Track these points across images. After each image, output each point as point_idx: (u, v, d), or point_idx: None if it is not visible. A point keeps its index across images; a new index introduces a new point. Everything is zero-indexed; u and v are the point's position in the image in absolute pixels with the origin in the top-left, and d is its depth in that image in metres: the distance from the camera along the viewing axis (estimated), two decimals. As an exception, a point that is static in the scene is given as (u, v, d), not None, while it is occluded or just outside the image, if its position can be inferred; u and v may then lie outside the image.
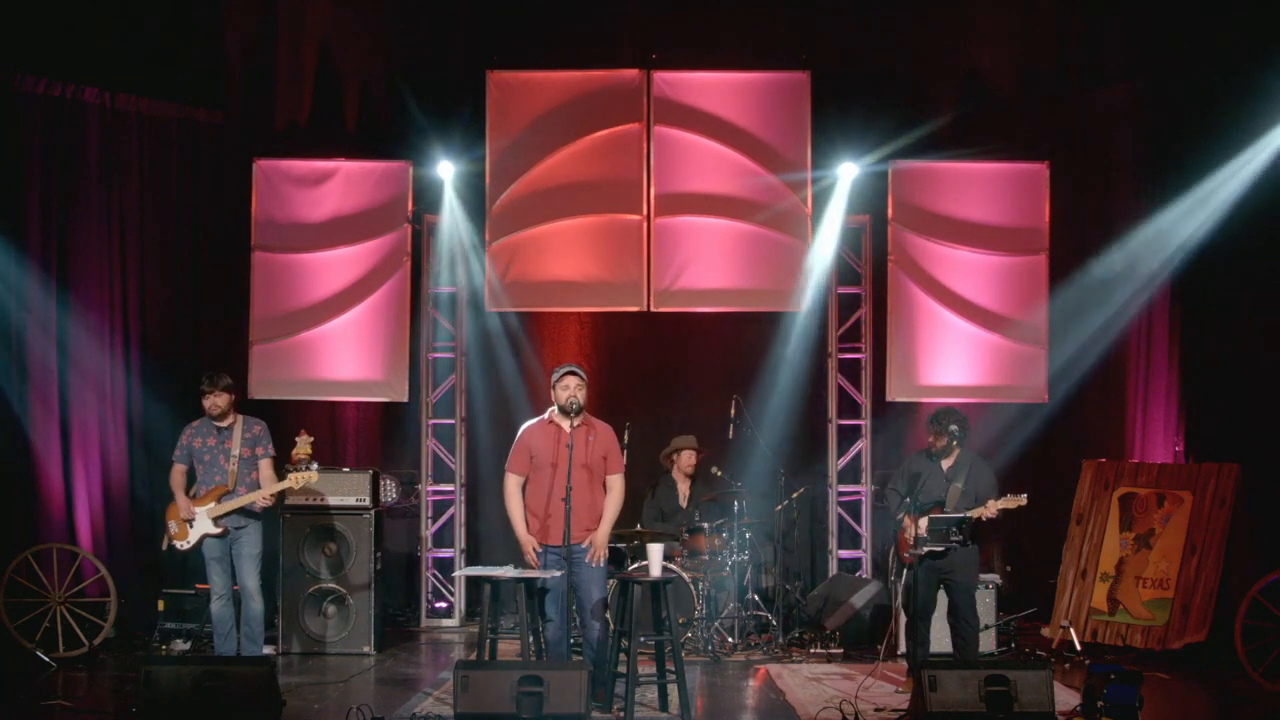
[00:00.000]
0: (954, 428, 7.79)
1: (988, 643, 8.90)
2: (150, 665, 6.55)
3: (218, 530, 7.92)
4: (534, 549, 7.15)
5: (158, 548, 9.92)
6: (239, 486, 7.96)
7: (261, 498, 7.97)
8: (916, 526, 7.71)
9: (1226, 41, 9.21)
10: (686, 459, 9.69)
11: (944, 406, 8.27)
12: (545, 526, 7.18)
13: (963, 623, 7.71)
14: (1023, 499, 7.52)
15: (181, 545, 7.99)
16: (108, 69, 9.84)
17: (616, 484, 7.35)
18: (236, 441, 8.02)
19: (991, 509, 7.51)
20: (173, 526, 8.00)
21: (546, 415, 7.31)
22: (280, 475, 8.14)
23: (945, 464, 7.85)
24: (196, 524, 7.92)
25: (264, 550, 8.14)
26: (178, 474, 8.06)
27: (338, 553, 9.16)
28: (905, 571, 7.83)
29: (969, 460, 7.82)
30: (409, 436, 10.54)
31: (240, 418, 8.11)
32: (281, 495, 8.43)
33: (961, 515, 7.56)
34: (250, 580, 8.00)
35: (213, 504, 7.92)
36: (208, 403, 8.00)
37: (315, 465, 8.28)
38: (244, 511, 7.97)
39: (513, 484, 7.27)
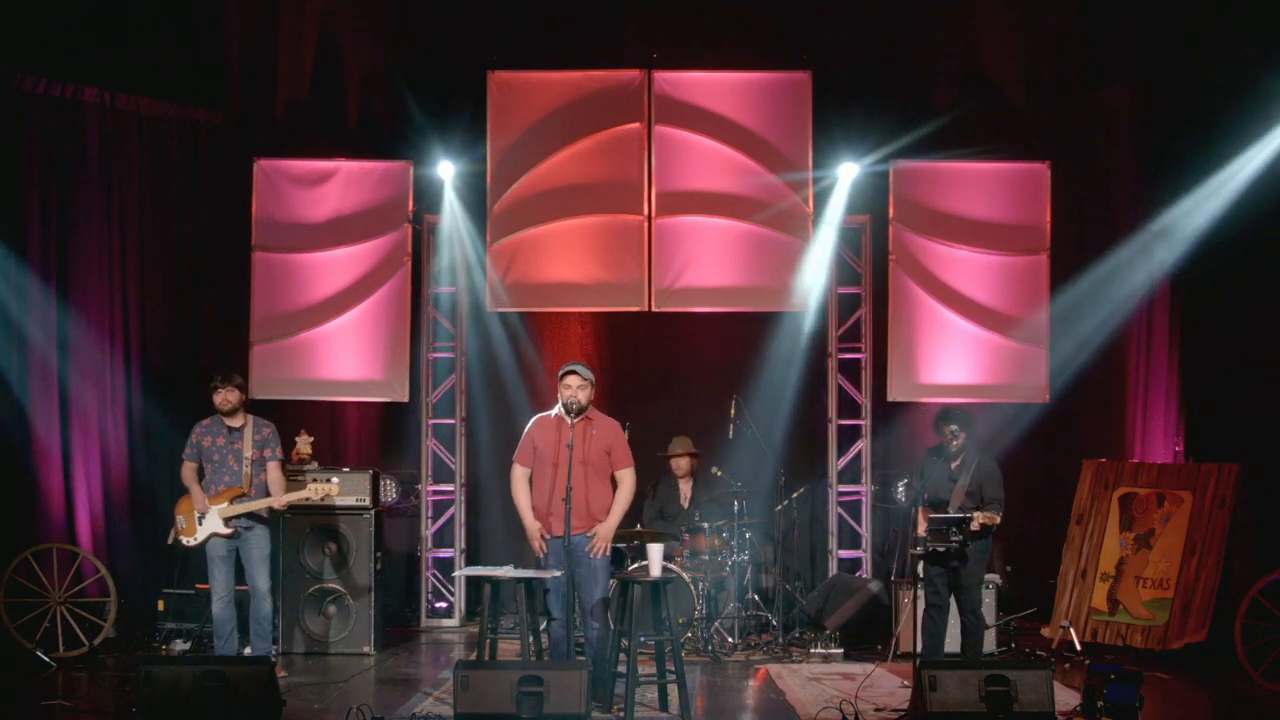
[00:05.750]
0: (953, 427, 7.78)
1: (988, 643, 8.90)
2: (150, 665, 6.54)
3: (227, 530, 7.90)
4: (541, 536, 7.13)
5: (158, 547, 9.94)
6: (251, 488, 7.96)
7: (278, 504, 7.99)
8: (924, 521, 7.75)
9: (1226, 42, 9.21)
10: (674, 464, 9.71)
11: (946, 406, 8.26)
12: (547, 523, 7.16)
13: (968, 616, 7.70)
14: (996, 518, 7.56)
15: (188, 541, 7.97)
16: (108, 69, 9.84)
17: (626, 478, 7.30)
18: (247, 443, 8.00)
19: (975, 523, 7.52)
20: (181, 521, 7.98)
21: (555, 410, 7.30)
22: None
23: (953, 463, 7.84)
24: (206, 521, 7.90)
25: (273, 550, 8.15)
26: (189, 471, 8.04)
27: (338, 552, 9.16)
28: (920, 564, 7.83)
29: (975, 459, 7.80)
30: (409, 436, 10.53)
31: (250, 418, 8.10)
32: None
33: (961, 515, 7.55)
34: (261, 581, 8.00)
35: (225, 504, 7.91)
36: (219, 398, 7.96)
37: (335, 479, 8.32)
38: (252, 514, 7.97)
39: (519, 474, 7.28)
